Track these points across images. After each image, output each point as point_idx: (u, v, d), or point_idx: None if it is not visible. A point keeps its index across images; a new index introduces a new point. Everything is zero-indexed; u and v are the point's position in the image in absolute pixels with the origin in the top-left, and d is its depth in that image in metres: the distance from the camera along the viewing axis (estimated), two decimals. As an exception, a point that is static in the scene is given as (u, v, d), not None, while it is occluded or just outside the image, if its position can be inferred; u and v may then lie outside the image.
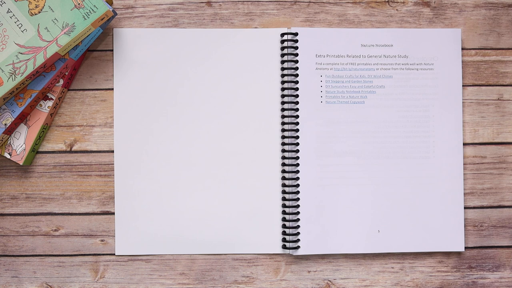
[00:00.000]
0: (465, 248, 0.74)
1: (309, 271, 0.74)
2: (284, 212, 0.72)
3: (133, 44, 0.73)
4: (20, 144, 0.70)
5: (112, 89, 0.73)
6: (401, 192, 0.73)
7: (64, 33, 0.66)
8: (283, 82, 0.73)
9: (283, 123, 0.73)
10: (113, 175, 0.73)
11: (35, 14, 0.66)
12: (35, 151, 0.72)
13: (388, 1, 0.74)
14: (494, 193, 0.74)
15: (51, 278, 0.73)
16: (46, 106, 0.71)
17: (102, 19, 0.67)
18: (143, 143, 0.73)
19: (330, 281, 0.74)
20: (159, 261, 0.73)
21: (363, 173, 0.73)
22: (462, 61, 0.74)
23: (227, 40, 0.73)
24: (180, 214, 0.73)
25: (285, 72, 0.73)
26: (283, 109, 0.73)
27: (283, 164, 0.73)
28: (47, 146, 0.73)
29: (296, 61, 0.72)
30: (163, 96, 0.73)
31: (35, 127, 0.71)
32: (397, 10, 0.74)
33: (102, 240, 0.73)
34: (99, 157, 0.73)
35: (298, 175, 0.72)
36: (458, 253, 0.74)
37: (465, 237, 0.74)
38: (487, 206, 0.74)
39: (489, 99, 0.75)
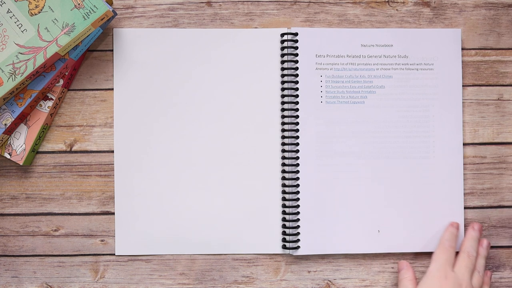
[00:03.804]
0: (465, 248, 0.74)
1: (309, 271, 0.74)
2: (284, 212, 0.72)
3: (133, 44, 0.73)
4: (20, 144, 0.70)
5: (112, 89, 0.73)
6: (401, 192, 0.73)
7: (64, 33, 0.66)
8: (283, 82, 0.73)
9: (283, 123, 0.73)
10: (113, 175, 0.73)
11: (35, 14, 0.66)
12: (35, 151, 0.72)
13: (388, 1, 0.74)
14: (494, 193, 0.74)
15: (51, 278, 0.73)
16: (46, 106, 0.71)
17: (102, 19, 0.67)
18: (143, 143, 0.73)
19: (330, 281, 0.74)
20: (159, 261, 0.73)
21: (363, 173, 0.73)
22: (462, 61, 0.74)
23: (227, 40, 0.73)
24: (180, 214, 0.73)
25: (285, 72, 0.73)
26: (283, 109, 0.73)
27: (283, 164, 0.73)
28: (47, 146, 0.73)
29: (296, 61, 0.72)
30: (163, 96, 0.73)
31: (35, 127, 0.71)
32: (397, 10, 0.74)
33: (102, 240, 0.73)
34: (99, 157, 0.73)
35: (298, 175, 0.72)
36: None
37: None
38: (487, 206, 0.74)
39: (489, 99, 0.75)
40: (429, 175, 0.73)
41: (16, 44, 0.66)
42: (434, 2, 0.74)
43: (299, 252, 0.72)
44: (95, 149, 0.73)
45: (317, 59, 0.73)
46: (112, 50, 0.73)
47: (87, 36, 0.68)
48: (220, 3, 0.74)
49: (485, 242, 0.72)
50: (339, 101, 0.73)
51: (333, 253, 0.73)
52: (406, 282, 0.70)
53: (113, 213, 0.73)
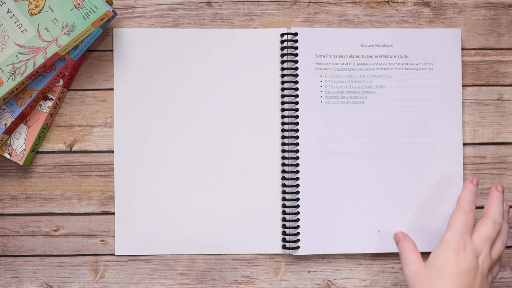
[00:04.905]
0: (465, 248, 0.74)
1: (309, 271, 0.74)
2: (284, 212, 0.72)
3: (133, 44, 0.73)
4: (20, 144, 0.70)
5: (112, 89, 0.73)
6: (401, 192, 0.73)
7: (64, 33, 0.66)
8: (283, 82, 0.73)
9: (283, 123, 0.73)
10: (113, 175, 0.73)
11: (35, 14, 0.66)
12: (35, 151, 0.72)
13: (388, 1, 0.74)
14: (494, 193, 0.74)
15: (51, 278, 0.73)
16: (46, 106, 0.71)
17: (102, 19, 0.67)
18: (143, 143, 0.73)
19: (330, 281, 0.74)
20: (159, 261, 0.73)
21: (363, 173, 0.73)
22: (462, 61, 0.74)
23: (227, 40, 0.73)
24: (180, 214, 0.73)
25: (285, 72, 0.73)
26: (283, 109, 0.73)
27: (283, 164, 0.73)
28: (47, 146, 0.73)
29: (296, 61, 0.72)
30: (163, 96, 0.73)
31: (35, 127, 0.71)
32: (397, 10, 0.74)
33: (102, 240, 0.73)
34: (99, 157, 0.73)
35: (298, 175, 0.72)
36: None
37: (465, 237, 0.74)
38: (487, 206, 0.74)
39: (489, 99, 0.75)
40: (429, 175, 0.73)
41: (16, 44, 0.66)
42: (434, 2, 0.74)
43: (299, 252, 0.72)
44: (95, 149, 0.73)
45: (317, 59, 0.73)
46: (112, 50, 0.73)
47: (87, 36, 0.68)
48: (220, 3, 0.74)
49: (506, 205, 0.65)
50: (339, 101, 0.73)
51: (333, 253, 0.73)
52: (407, 254, 0.63)
53: (113, 213, 0.73)
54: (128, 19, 0.73)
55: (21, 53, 0.66)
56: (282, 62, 0.73)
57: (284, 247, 0.72)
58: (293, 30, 0.73)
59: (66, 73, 0.71)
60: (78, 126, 0.73)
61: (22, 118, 0.70)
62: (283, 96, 0.73)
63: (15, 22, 0.66)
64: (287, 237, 0.72)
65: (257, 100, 0.73)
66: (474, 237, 0.61)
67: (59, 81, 0.71)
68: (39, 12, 0.66)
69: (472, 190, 0.63)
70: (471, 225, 0.61)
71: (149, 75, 0.73)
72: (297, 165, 0.72)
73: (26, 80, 0.67)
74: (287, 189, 0.72)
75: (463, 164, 0.74)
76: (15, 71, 0.66)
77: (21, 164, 0.70)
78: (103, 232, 0.73)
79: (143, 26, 0.73)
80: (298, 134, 0.72)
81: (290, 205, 0.72)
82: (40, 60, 0.66)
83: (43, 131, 0.72)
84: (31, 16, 0.66)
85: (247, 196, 0.73)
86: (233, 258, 0.73)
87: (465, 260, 0.59)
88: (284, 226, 0.72)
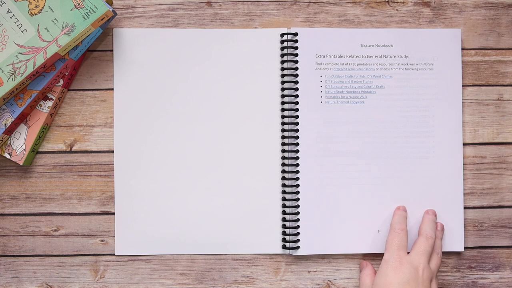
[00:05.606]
0: (465, 248, 0.74)
1: (309, 271, 0.74)
2: (284, 212, 0.72)
3: (133, 44, 0.73)
4: (20, 144, 0.70)
5: (112, 89, 0.73)
6: (400, 192, 0.73)
7: (64, 33, 0.66)
8: (283, 82, 0.73)
9: (283, 123, 0.73)
10: (113, 175, 0.73)
11: (35, 14, 0.66)
12: (35, 151, 0.72)
13: (388, 1, 0.74)
14: (494, 193, 0.74)
15: (51, 278, 0.73)
16: (46, 106, 0.71)
17: (102, 19, 0.67)
18: (143, 143, 0.73)
19: (330, 281, 0.74)
20: (159, 261, 0.73)
21: (363, 173, 0.73)
22: (462, 61, 0.74)
23: (227, 40, 0.73)
24: (180, 214, 0.73)
25: (285, 72, 0.73)
26: (283, 109, 0.73)
27: (283, 164, 0.73)
28: (47, 146, 0.73)
29: (296, 61, 0.72)
30: (163, 96, 0.73)
31: (35, 127, 0.71)
32: (397, 10, 0.74)
33: (102, 240, 0.73)
34: (99, 157, 0.73)
35: (298, 175, 0.72)
36: (458, 253, 0.74)
37: (465, 237, 0.74)
38: (487, 206, 0.74)
39: (489, 99, 0.75)
40: (429, 175, 0.73)
41: (16, 44, 0.66)
42: (434, 2, 0.74)
43: (299, 252, 0.72)
44: (95, 149, 0.73)
45: (317, 59, 0.73)
46: (112, 50, 0.73)
47: (87, 36, 0.68)
48: (220, 3, 0.74)
49: (439, 224, 0.72)
50: (339, 101, 0.73)
51: (333, 253, 0.73)
52: (364, 278, 0.70)
53: (113, 213, 0.73)
54: (128, 19, 0.73)
55: (21, 53, 0.66)
56: (282, 62, 0.73)
57: (284, 247, 0.73)
58: (293, 30, 0.73)
59: (66, 73, 0.71)
60: (78, 126, 0.73)
61: (22, 118, 0.70)
62: (283, 96, 0.73)
63: (15, 22, 0.66)
64: (287, 237, 0.72)
65: (257, 100, 0.73)
66: (411, 253, 0.68)
67: (59, 81, 0.71)
68: (39, 12, 0.66)
69: (401, 214, 0.71)
70: (404, 243, 0.68)
71: (149, 75, 0.73)
72: (297, 165, 0.72)
73: (26, 80, 0.67)
74: (287, 189, 0.72)
75: (463, 164, 0.74)
76: (15, 71, 0.66)
77: (21, 164, 0.70)
78: (103, 232, 0.73)
79: (143, 26, 0.73)
80: (298, 134, 0.72)
81: (290, 205, 0.72)
82: (40, 60, 0.66)
83: (43, 131, 0.72)
84: (31, 16, 0.66)
85: (247, 196, 0.73)
86: (233, 258, 0.73)
87: (403, 272, 0.65)
88: (284, 226, 0.72)
